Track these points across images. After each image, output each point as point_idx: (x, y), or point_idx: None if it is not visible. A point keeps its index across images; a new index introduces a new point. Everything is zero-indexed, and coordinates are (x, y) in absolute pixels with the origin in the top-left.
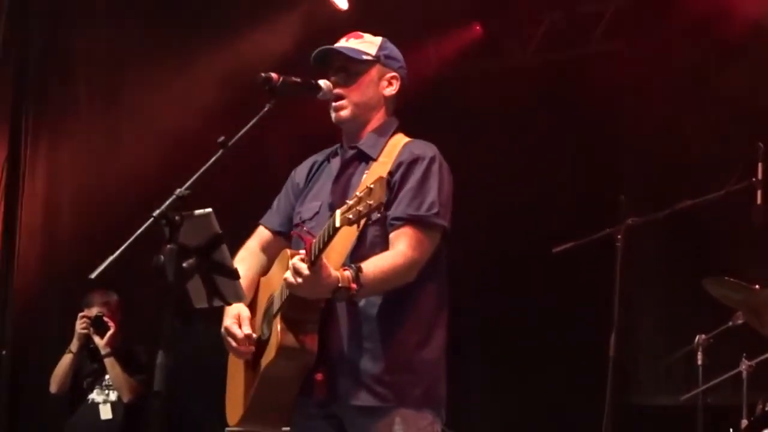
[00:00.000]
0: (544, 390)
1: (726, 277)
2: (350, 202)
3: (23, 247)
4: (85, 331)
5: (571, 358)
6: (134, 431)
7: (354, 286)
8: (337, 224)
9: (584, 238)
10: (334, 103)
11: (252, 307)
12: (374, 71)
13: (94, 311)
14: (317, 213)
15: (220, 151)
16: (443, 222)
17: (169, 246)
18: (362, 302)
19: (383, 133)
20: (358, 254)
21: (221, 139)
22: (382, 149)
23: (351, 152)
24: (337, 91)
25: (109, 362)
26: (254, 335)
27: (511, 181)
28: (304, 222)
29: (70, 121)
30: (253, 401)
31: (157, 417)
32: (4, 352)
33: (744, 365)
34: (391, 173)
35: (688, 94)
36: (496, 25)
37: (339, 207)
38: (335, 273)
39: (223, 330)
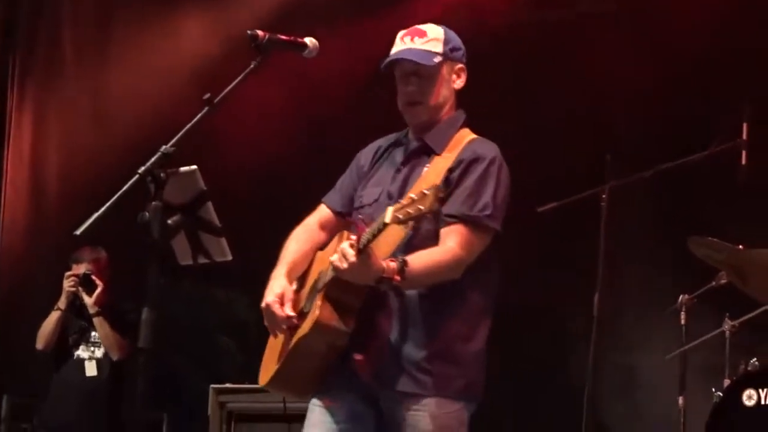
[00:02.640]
0: (527, 348)
1: (710, 237)
2: (403, 202)
3: (9, 204)
4: (73, 289)
5: (555, 316)
6: (119, 388)
7: (398, 277)
8: (387, 220)
9: (569, 198)
10: (410, 107)
11: (303, 278)
12: (444, 69)
13: (82, 268)
14: (377, 200)
15: (206, 109)
16: (495, 225)
17: (154, 203)
18: (411, 291)
19: (450, 126)
20: (410, 245)
21: (207, 96)
22: (446, 144)
23: (416, 144)
24: (413, 91)
25: (97, 321)
26: (293, 315)
27: (496, 140)
28: (363, 207)
29: (56, 80)
30: (283, 367)
31: (143, 373)
32: None
33: (727, 325)
34: (451, 170)
35: (673, 55)
36: None
37: (398, 196)
38: (381, 262)
39: (263, 305)
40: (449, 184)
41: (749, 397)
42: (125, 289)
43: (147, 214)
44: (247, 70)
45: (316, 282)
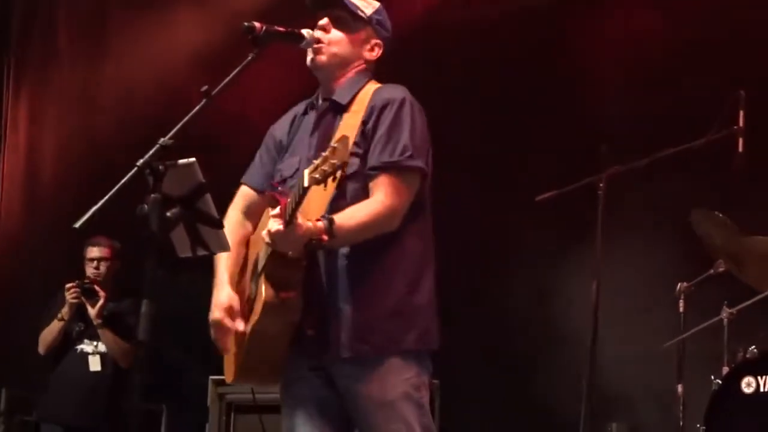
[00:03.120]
0: (526, 337)
1: (715, 212)
2: (316, 162)
3: (6, 196)
4: (76, 300)
5: (552, 304)
6: (121, 381)
7: (325, 237)
8: (305, 184)
9: (566, 187)
10: (314, 46)
11: (243, 265)
12: (363, 32)
13: (97, 252)
14: (297, 170)
15: (204, 101)
16: (419, 164)
17: (153, 195)
18: (344, 251)
19: (356, 82)
20: (340, 207)
21: (204, 88)
22: (354, 98)
23: (324, 104)
24: (320, 35)
25: (102, 332)
26: (245, 330)
27: (494, 130)
28: (285, 180)
29: (52, 72)
30: (245, 358)
31: (141, 366)
32: None
33: (725, 313)
34: (364, 121)
35: (668, 42)
36: None
37: None
38: (308, 225)
39: (211, 321)
40: (366, 138)
41: (748, 385)
42: (124, 282)
43: (146, 206)
44: (245, 63)
45: (255, 266)
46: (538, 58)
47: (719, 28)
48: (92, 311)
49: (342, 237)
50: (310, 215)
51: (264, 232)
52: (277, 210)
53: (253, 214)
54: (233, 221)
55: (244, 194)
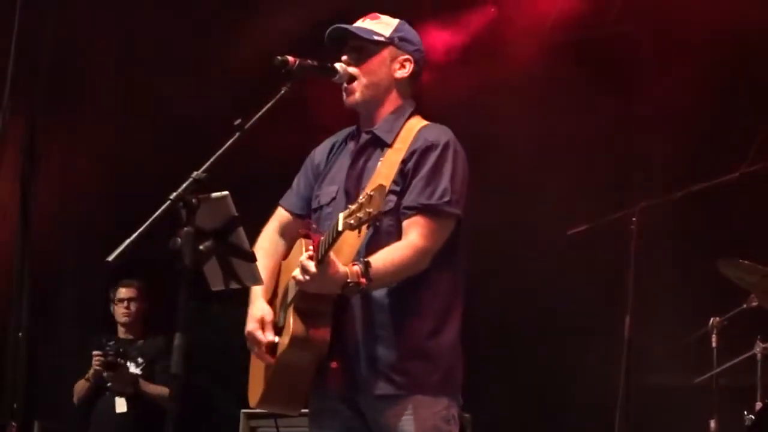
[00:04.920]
0: (558, 371)
1: (740, 260)
2: (352, 208)
3: (38, 233)
4: (99, 368)
5: (585, 338)
6: (150, 421)
7: (363, 280)
8: (340, 228)
9: (599, 220)
10: (345, 85)
11: (275, 291)
12: (386, 52)
13: (131, 292)
14: (334, 198)
15: (237, 134)
16: (456, 210)
17: (186, 229)
18: (376, 292)
19: (398, 116)
20: (372, 244)
21: (238, 121)
22: (398, 134)
23: (366, 137)
24: (349, 71)
25: (142, 389)
26: (274, 340)
27: (526, 163)
28: (321, 207)
29: (84, 110)
30: (270, 384)
31: (175, 399)
32: (20, 334)
33: (759, 347)
34: (404, 161)
35: (703, 75)
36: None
37: (355, 193)
38: (344, 269)
39: (246, 334)
40: (405, 177)
41: None
42: (155, 317)
43: (179, 240)
44: (278, 96)
45: (285, 294)
46: (571, 89)
47: (756, 57)
48: (115, 386)
49: (377, 279)
50: (343, 256)
51: (296, 272)
52: (311, 251)
53: (288, 237)
54: (267, 242)
55: (280, 216)
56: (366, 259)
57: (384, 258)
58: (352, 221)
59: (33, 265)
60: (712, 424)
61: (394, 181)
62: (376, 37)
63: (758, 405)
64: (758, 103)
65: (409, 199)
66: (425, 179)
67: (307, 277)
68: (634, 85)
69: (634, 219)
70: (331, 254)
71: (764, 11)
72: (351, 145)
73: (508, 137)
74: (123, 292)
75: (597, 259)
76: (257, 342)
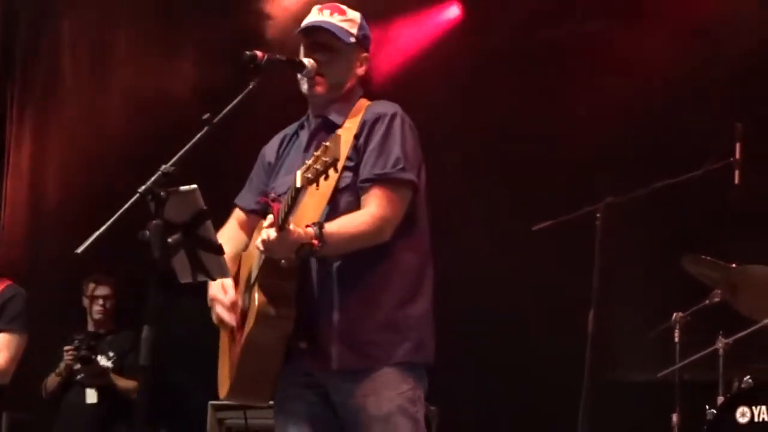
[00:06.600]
0: (522, 366)
1: (703, 256)
2: (308, 162)
3: (8, 221)
4: (72, 362)
5: (549, 333)
6: (120, 412)
7: (316, 242)
8: (298, 184)
9: (564, 216)
10: (313, 78)
11: (235, 282)
12: (353, 52)
13: (104, 290)
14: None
15: (205, 128)
16: (411, 176)
17: (154, 221)
18: (336, 263)
19: (348, 101)
20: (332, 220)
21: (206, 116)
22: (347, 115)
23: (317, 121)
24: (317, 66)
25: (113, 382)
26: (237, 297)
27: (493, 160)
28: (279, 196)
29: (54, 99)
30: (239, 372)
31: (144, 391)
32: None
33: (721, 343)
34: (356, 136)
35: (665, 74)
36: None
37: None
38: (299, 231)
39: (209, 300)
40: (358, 152)
41: (743, 415)
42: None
43: (147, 232)
44: (246, 91)
45: (247, 280)
46: (537, 87)
47: (718, 61)
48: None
49: (332, 244)
50: (305, 223)
51: (258, 241)
52: (270, 218)
53: (247, 232)
54: (225, 238)
55: (237, 215)
56: (320, 222)
57: (339, 223)
58: (309, 175)
59: (4, 260)
60: (674, 418)
61: (349, 157)
62: (350, 39)
63: (720, 400)
64: (722, 101)
65: (364, 173)
66: (377, 151)
67: (268, 243)
68: (600, 83)
69: (598, 215)
70: (291, 221)
71: (729, 7)
72: (303, 133)
73: (470, 133)
74: (98, 290)
75: (563, 255)
76: (220, 302)
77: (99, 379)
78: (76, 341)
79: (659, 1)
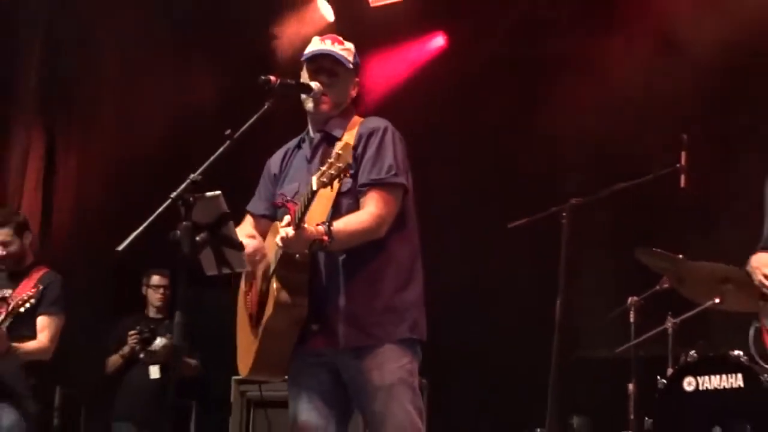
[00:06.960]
0: (499, 346)
1: (654, 249)
2: (323, 168)
3: (56, 224)
4: (135, 345)
5: (522, 320)
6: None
7: (326, 238)
8: (314, 187)
9: (536, 215)
10: (319, 98)
11: (254, 273)
12: (351, 77)
13: (161, 280)
14: (297, 192)
15: (227, 143)
16: (402, 180)
17: (184, 223)
18: (341, 257)
19: (345, 117)
20: (336, 220)
21: (228, 131)
22: (345, 129)
23: (319, 135)
24: (324, 89)
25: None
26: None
27: (472, 168)
28: (288, 201)
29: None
30: (259, 353)
31: (174, 364)
32: None
33: (669, 322)
34: (354, 147)
35: (624, 92)
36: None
37: None
38: (311, 229)
39: (248, 253)
40: (356, 161)
41: (689, 384)
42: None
43: (178, 232)
44: (262, 111)
45: (265, 272)
46: (511, 102)
47: (665, 81)
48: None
49: (339, 240)
50: (313, 222)
51: (277, 238)
52: (287, 218)
53: (258, 235)
54: (245, 231)
55: (249, 220)
56: (329, 221)
57: (344, 222)
58: (324, 179)
59: (53, 253)
60: (630, 387)
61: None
62: (350, 66)
63: (669, 371)
64: (672, 117)
65: (362, 178)
66: (373, 159)
67: (287, 240)
68: (570, 100)
69: (564, 214)
70: (306, 219)
71: (687, 16)
72: (305, 146)
73: (453, 144)
74: (158, 280)
75: (534, 249)
76: (259, 249)
77: (162, 357)
78: (138, 327)
79: (629, 21)
